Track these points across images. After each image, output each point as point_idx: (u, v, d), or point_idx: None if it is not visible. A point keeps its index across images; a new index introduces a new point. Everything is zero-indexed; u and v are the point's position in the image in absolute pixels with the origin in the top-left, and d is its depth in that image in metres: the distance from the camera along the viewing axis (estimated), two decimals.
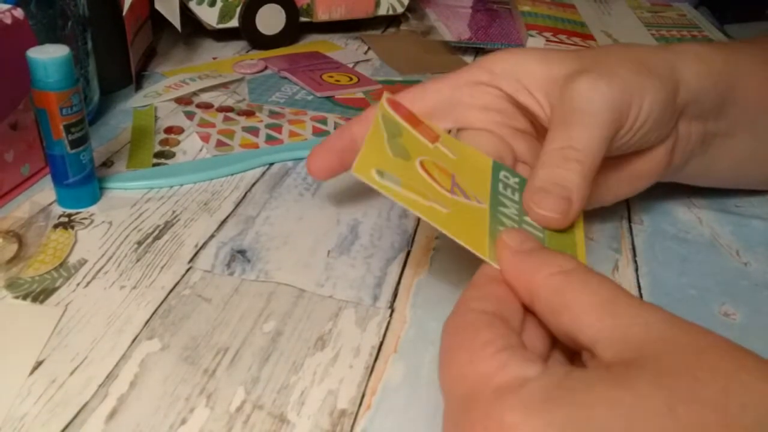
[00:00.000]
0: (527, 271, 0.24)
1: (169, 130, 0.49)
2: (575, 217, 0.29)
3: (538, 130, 0.35)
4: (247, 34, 0.65)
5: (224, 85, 0.57)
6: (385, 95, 0.33)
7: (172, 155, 0.46)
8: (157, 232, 0.37)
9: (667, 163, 0.35)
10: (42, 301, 0.32)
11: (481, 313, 0.23)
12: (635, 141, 0.32)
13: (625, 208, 0.42)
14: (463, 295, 0.25)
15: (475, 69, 0.35)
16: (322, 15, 0.69)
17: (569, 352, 0.25)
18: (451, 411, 0.22)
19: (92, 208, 0.39)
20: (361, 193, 0.42)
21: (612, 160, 0.34)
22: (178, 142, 0.47)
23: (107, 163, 0.44)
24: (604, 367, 0.20)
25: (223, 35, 0.68)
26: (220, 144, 0.47)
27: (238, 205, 0.40)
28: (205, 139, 0.48)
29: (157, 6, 0.57)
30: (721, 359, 0.19)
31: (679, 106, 0.33)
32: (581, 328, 0.21)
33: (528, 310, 0.24)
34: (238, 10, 0.64)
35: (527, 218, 0.29)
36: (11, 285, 0.33)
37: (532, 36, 0.67)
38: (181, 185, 0.42)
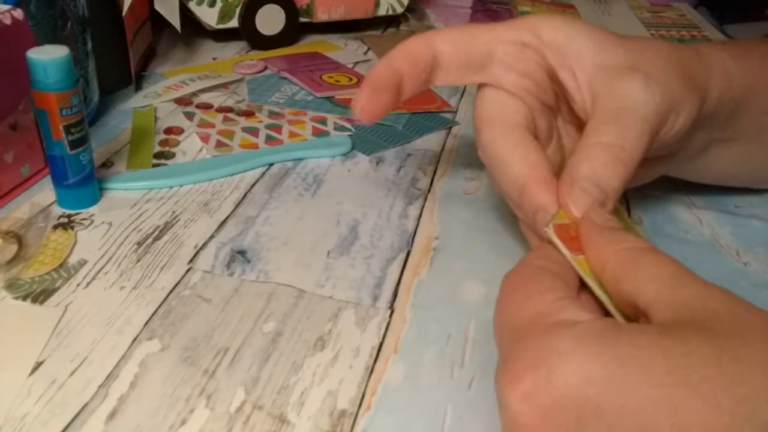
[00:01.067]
0: (603, 242, 0.25)
1: (168, 130, 0.49)
2: None
3: (560, 109, 0.34)
4: (247, 34, 0.65)
5: (224, 85, 0.57)
6: (551, 227, 0.27)
7: (171, 156, 0.46)
8: (156, 232, 0.37)
9: (667, 164, 0.36)
10: (42, 302, 0.32)
11: (542, 268, 0.24)
12: (657, 149, 0.32)
13: (625, 209, 0.42)
14: (525, 256, 0.26)
15: (523, 29, 0.33)
16: (321, 15, 0.69)
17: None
18: (504, 344, 0.22)
19: (92, 209, 0.39)
20: (361, 193, 0.42)
21: None
22: (178, 143, 0.47)
23: (107, 164, 0.44)
24: (658, 325, 0.20)
25: (222, 35, 0.68)
26: (219, 144, 0.47)
27: (237, 205, 0.40)
28: (205, 139, 0.48)
29: (157, 6, 0.57)
30: None
31: (697, 119, 0.33)
32: (641, 293, 0.22)
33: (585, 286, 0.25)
34: (238, 10, 0.64)
35: None
36: (11, 286, 0.33)
37: None
38: (181, 186, 0.42)
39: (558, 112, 0.35)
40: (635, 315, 0.23)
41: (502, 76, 0.33)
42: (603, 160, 0.28)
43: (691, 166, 0.38)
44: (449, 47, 0.33)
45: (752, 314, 0.20)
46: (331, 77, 0.58)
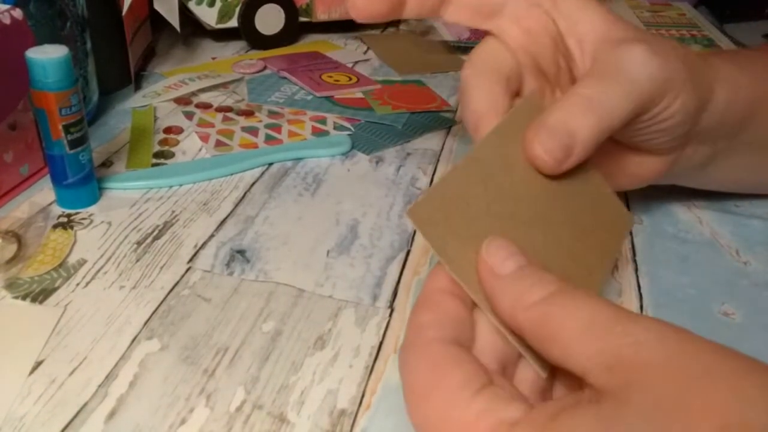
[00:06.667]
0: (509, 303, 0.22)
1: (168, 130, 0.49)
2: (567, 170, 0.28)
3: (559, 81, 0.34)
4: (247, 34, 0.65)
5: (223, 85, 0.57)
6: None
7: (171, 155, 0.46)
8: (156, 232, 0.37)
9: (662, 173, 0.35)
10: (41, 302, 0.32)
11: (442, 344, 0.22)
12: (647, 134, 0.32)
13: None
14: (416, 319, 0.23)
15: None
16: (321, 15, 0.69)
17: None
18: None
19: (91, 208, 0.39)
20: (360, 192, 0.42)
21: (611, 153, 0.34)
22: (178, 142, 0.47)
23: (106, 164, 0.44)
24: (595, 402, 0.18)
25: (222, 35, 0.68)
26: (219, 144, 0.47)
27: (237, 205, 0.40)
28: (205, 139, 0.48)
29: (156, 6, 0.57)
30: (716, 390, 0.17)
31: (696, 129, 0.33)
32: (571, 359, 0.20)
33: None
34: (238, 10, 0.64)
35: None
36: (11, 285, 0.33)
37: None
38: (181, 185, 0.42)
39: (557, 85, 0.34)
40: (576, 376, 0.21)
41: (506, 28, 0.33)
42: (577, 108, 0.28)
43: (693, 178, 0.38)
44: None
45: (685, 355, 0.18)
46: (330, 77, 0.58)
